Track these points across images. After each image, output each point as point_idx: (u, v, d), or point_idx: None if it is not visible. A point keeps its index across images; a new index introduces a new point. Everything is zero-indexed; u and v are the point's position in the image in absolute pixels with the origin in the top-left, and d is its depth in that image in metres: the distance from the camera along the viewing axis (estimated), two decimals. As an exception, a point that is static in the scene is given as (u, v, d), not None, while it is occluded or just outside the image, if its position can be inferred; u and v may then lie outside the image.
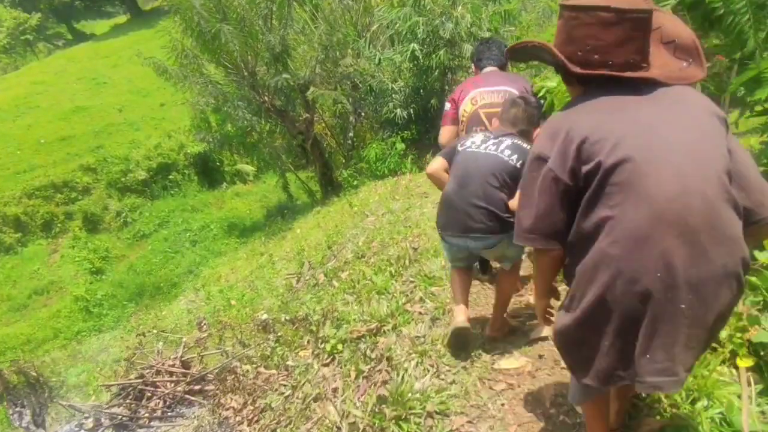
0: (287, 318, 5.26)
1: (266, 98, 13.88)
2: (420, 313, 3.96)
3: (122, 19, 45.42)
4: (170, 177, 25.03)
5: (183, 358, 5.06)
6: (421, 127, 13.50)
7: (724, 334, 2.63)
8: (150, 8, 34.23)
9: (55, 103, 29.56)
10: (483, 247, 3.22)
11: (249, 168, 24.71)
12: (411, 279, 4.59)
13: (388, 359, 3.31)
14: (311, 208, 14.63)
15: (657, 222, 1.51)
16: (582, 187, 1.67)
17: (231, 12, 12.68)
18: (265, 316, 5.40)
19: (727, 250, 1.54)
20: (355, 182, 13.35)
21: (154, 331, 6.06)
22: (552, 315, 2.14)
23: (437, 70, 12.29)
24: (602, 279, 1.59)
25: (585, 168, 1.63)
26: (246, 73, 13.55)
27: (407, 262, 5.07)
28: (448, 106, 4.03)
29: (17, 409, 5.38)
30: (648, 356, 1.59)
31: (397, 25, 12.59)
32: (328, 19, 13.84)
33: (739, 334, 2.63)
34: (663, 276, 1.51)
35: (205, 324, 7.59)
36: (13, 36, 38.61)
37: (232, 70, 13.69)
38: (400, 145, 13.04)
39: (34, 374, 5.42)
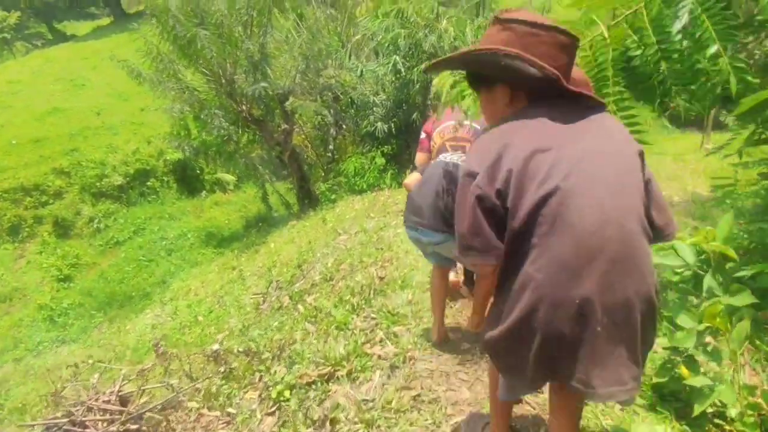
0: (240, 350, 4.80)
1: (244, 107, 13.44)
2: (379, 357, 3.54)
3: (105, 21, 44.66)
4: (148, 183, 24.36)
5: (121, 393, 4.56)
6: (402, 142, 13.16)
7: (733, 412, 2.36)
8: (134, 11, 33.64)
9: (30, 103, 28.73)
10: (432, 242, 3.48)
11: (229, 177, 24.18)
12: (373, 315, 4.17)
13: (332, 422, 2.87)
14: (288, 221, 14.16)
15: (578, 251, 1.62)
16: (509, 209, 1.72)
17: (209, 17, 12.26)
18: (216, 347, 4.94)
19: (640, 278, 1.67)
20: (333, 196, 12.95)
21: (90, 362, 5.53)
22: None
23: (419, 84, 11.97)
24: (527, 300, 1.69)
25: (513, 195, 1.70)
26: (224, 81, 13.10)
27: (372, 293, 4.66)
28: (423, 134, 4.16)
29: None
30: (569, 378, 1.73)
31: (380, 36, 12.26)
32: (311, 28, 13.49)
33: (750, 412, 2.27)
34: (581, 302, 1.62)
35: (161, 347, 7.05)
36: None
37: (209, 77, 13.24)
38: (380, 160, 12.68)
39: None
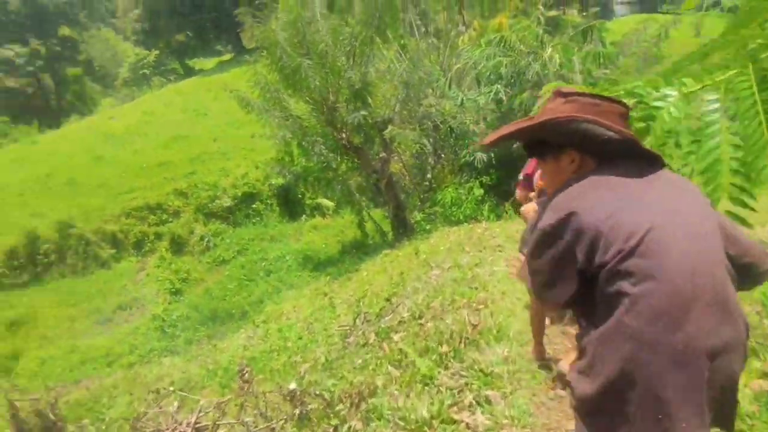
0: (317, 392, 4.38)
1: (344, 135, 13.42)
2: (467, 425, 2.93)
3: (227, 56, 48.11)
4: (253, 206, 25.33)
5: (198, 425, 4.31)
6: (502, 173, 12.41)
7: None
8: (252, 46, 35.78)
9: (160, 131, 31.17)
10: None
11: (328, 203, 24.52)
12: (463, 372, 3.56)
13: None
14: (382, 249, 13.82)
15: (673, 300, 1.63)
16: (593, 263, 1.69)
17: (314, 47, 12.42)
18: (293, 386, 4.57)
19: (734, 321, 1.70)
20: (428, 226, 12.43)
21: (170, 389, 5.41)
22: None
23: (521, 113, 11.24)
24: (624, 349, 1.65)
25: (597, 251, 1.69)
26: (325, 109, 13.19)
27: (462, 342, 4.05)
28: (521, 176, 4.13)
29: None
30: (682, 422, 1.64)
31: (482, 65, 11.72)
32: (412, 57, 13.26)
33: None
34: (683, 348, 1.62)
35: (246, 372, 6.80)
36: (134, 70, 41.88)
37: (312, 105, 13.39)
38: (478, 191, 12.02)
39: (52, 418, 4.94)
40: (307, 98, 13.33)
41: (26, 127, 38.31)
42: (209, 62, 50.83)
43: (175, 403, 4.61)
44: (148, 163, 28.12)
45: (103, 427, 6.96)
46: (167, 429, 4.29)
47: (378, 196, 16.03)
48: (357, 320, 7.51)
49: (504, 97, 11.83)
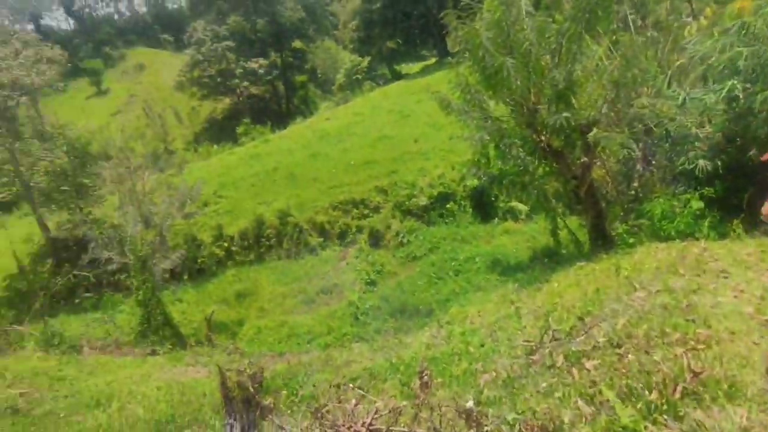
0: (496, 420, 3.97)
1: (544, 138, 12.55)
2: None
3: (432, 60, 49.47)
4: (447, 206, 25.47)
5: (372, 427, 4.24)
6: (730, 184, 10.36)
7: None
8: (456, 50, 36.09)
9: (367, 132, 33.18)
10: None
11: (522, 207, 23.55)
12: (679, 434, 2.81)
13: None
14: (576, 261, 12.64)
15: None
16: None
17: (517, 46, 11.80)
18: (470, 404, 4.22)
19: None
20: (632, 240, 10.96)
21: (351, 386, 5.45)
22: None
23: (765, 113, 9.21)
24: None
25: None
26: (525, 110, 12.47)
27: (678, 393, 3.24)
28: None
29: (230, 420, 5.39)
30: None
31: (713, 58, 9.88)
32: (625, 54, 11.81)
33: None
34: None
35: (426, 373, 6.63)
36: (348, 76, 45.58)
37: (512, 107, 12.79)
38: (697, 203, 10.22)
39: (251, 389, 5.39)
40: (507, 99, 12.77)
41: (262, 127, 44.24)
42: (415, 67, 52.87)
43: (353, 401, 4.61)
44: (355, 161, 30.16)
45: (296, 404, 7.41)
46: (344, 425, 4.29)
47: (576, 204, 14.73)
48: (544, 336, 6.86)
49: (741, 95, 9.83)
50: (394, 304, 20.12)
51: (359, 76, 45.74)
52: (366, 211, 26.86)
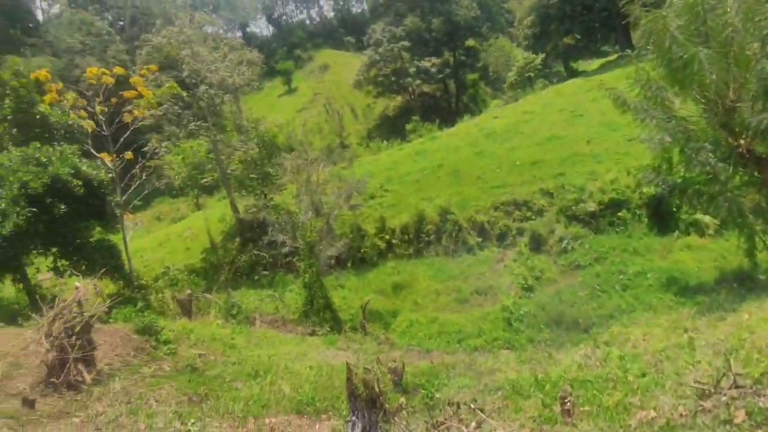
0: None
1: (742, 141, 10.56)
2: None
3: (613, 56, 45.34)
4: (619, 214, 23.22)
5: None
6: None
7: None
8: (642, 44, 32.69)
9: (536, 131, 31.67)
10: None
11: (709, 220, 20.42)
12: None
13: None
14: (777, 290, 10.50)
15: None
16: None
17: (716, 33, 10.05)
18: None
19: None
20: None
21: (471, 406, 5.02)
22: None
23: None
24: None
25: None
26: (720, 109, 10.61)
27: None
28: None
29: (353, 418, 5.38)
30: None
31: None
32: None
33: None
34: None
35: (569, 400, 6.00)
36: (520, 73, 43.93)
37: (703, 105, 10.98)
38: None
39: (377, 389, 5.30)
40: (698, 96, 11.00)
41: (430, 124, 44.85)
42: (593, 64, 49.09)
43: (473, 424, 4.27)
44: (521, 161, 28.99)
45: (429, 406, 7.22)
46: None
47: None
48: (722, 379, 5.69)
49: None
50: (551, 314, 18.92)
51: (531, 74, 43.81)
52: (528, 214, 25.67)
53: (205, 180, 36.35)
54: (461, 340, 18.46)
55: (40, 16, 76.20)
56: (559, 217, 24.53)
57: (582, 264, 21.73)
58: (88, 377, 6.93)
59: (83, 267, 16.47)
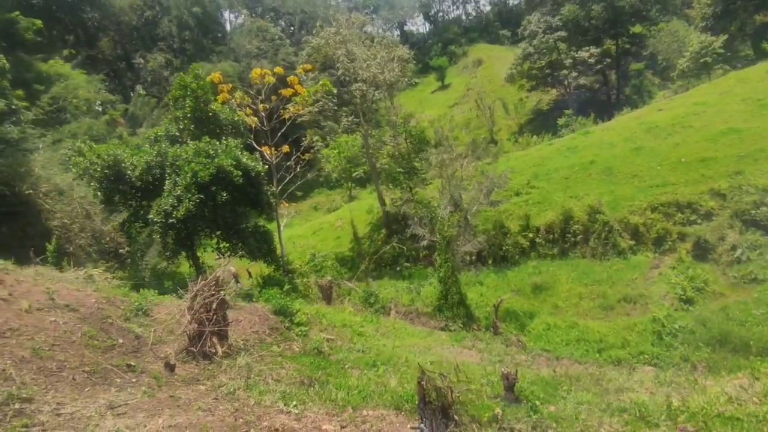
0: None
1: None
2: None
3: (823, 33, 37.62)
4: (817, 224, 19.36)
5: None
6: None
7: None
8: None
9: (708, 124, 27.71)
10: None
11: None
12: None
13: None
14: None
15: None
16: None
17: None
18: None
19: None
20: None
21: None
22: None
23: None
24: None
25: None
26: None
27: None
28: None
29: (420, 425, 5.09)
30: None
31: None
32: None
33: None
34: None
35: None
36: (694, 59, 38.41)
37: None
38: None
39: (449, 400, 4.94)
40: None
41: (584, 119, 41.66)
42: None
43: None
44: (687, 158, 25.63)
45: (532, 419, 6.65)
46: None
47: None
48: None
49: None
50: (714, 332, 16.46)
51: (708, 59, 38.08)
52: (693, 217, 22.62)
53: (356, 173, 38.25)
54: (602, 350, 16.93)
55: (228, 27, 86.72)
56: (733, 222, 21.23)
57: (760, 278, 18.61)
58: (220, 350, 7.72)
59: (240, 250, 18.35)
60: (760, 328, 15.80)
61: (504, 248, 25.81)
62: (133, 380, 6.61)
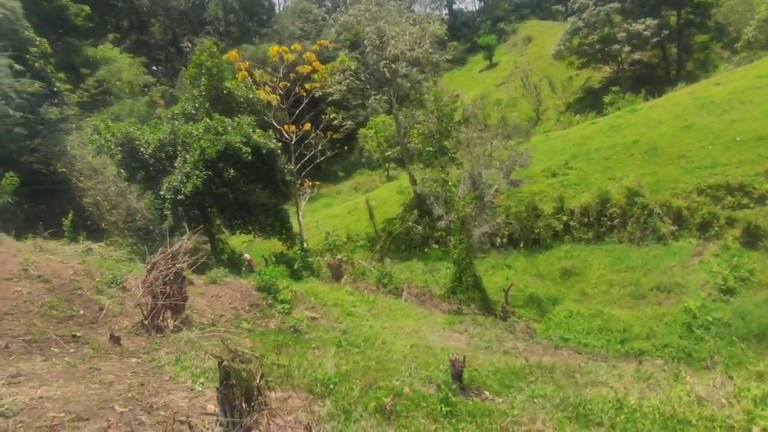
0: None
1: None
2: None
3: None
4: None
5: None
6: None
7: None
8: None
9: (770, 98, 25.33)
10: None
11: None
12: None
13: None
14: None
15: None
16: None
17: None
18: None
19: None
20: None
21: None
22: None
23: None
24: None
25: None
26: None
27: None
28: None
29: (220, 419, 4.42)
30: None
31: None
32: None
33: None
34: None
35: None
36: (762, 28, 35.04)
37: None
38: None
39: (256, 382, 4.27)
40: None
41: (632, 95, 39.15)
42: None
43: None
44: (743, 136, 23.57)
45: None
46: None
47: None
48: None
49: None
50: (752, 325, 15.16)
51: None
52: (745, 201, 20.85)
53: (389, 153, 37.73)
54: (624, 341, 15.91)
55: (277, 10, 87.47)
56: (790, 207, 19.40)
57: (814, 269, 16.90)
58: (171, 324, 7.65)
59: (251, 227, 18.41)
60: (803, 321, 14.36)
61: (536, 231, 24.79)
62: (71, 351, 6.63)
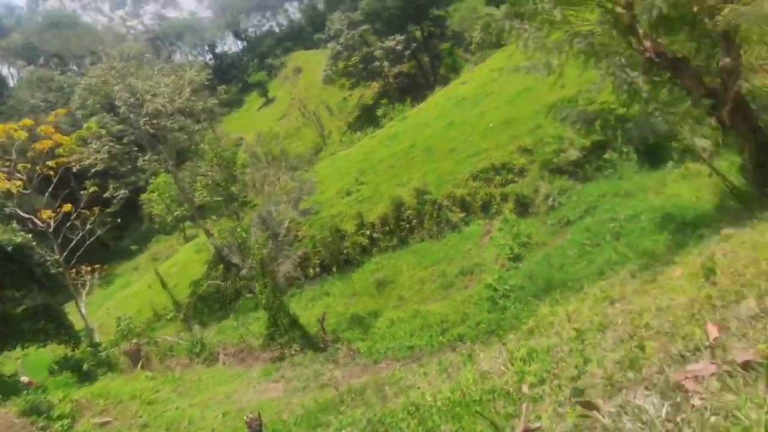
0: None
1: (649, 43, 8.54)
2: None
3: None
4: (605, 156, 21.21)
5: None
6: None
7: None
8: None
9: (505, 87, 29.67)
10: None
11: (705, 142, 18.18)
12: None
13: None
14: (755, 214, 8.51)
15: None
16: None
17: None
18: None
19: None
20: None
21: None
22: None
23: None
24: None
25: None
26: (619, 9, 8.61)
27: None
28: None
29: None
30: None
31: None
32: None
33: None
34: None
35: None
36: (486, 29, 41.50)
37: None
38: None
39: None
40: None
41: (401, 105, 42.96)
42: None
43: None
44: (494, 122, 27.06)
45: None
46: None
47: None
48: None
49: None
50: (538, 282, 17.13)
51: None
52: (510, 176, 23.78)
53: (177, 213, 35.33)
54: (445, 330, 16.85)
55: (11, 82, 76.77)
56: (542, 173, 22.65)
57: (572, 219, 19.84)
58: None
59: (15, 339, 15.38)
60: (573, 267, 16.69)
61: (344, 252, 25.20)
62: None
